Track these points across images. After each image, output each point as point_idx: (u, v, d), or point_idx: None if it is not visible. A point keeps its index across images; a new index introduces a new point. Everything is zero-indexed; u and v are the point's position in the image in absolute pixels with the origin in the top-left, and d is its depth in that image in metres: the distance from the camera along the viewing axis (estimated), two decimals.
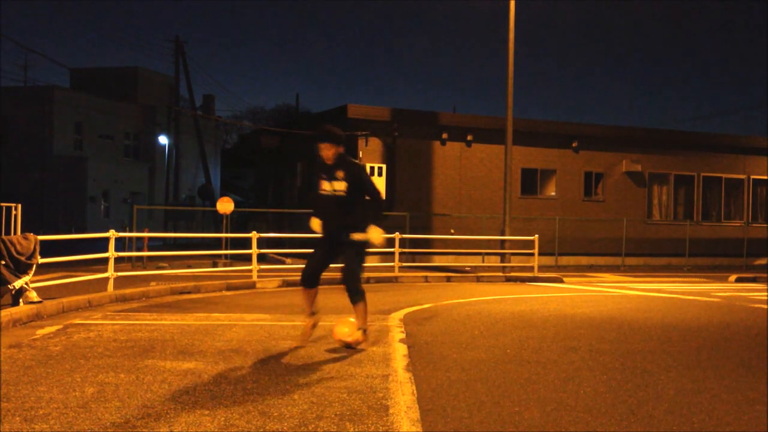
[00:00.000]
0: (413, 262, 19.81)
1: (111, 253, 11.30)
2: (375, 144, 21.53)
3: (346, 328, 6.66)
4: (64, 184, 37.79)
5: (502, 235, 18.24)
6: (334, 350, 6.58)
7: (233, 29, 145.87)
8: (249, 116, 58.37)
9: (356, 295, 6.72)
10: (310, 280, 6.84)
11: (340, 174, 6.65)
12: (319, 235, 6.91)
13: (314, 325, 7.00)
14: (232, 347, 6.66)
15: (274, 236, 20.41)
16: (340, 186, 6.63)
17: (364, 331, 6.76)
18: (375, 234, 6.70)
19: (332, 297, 11.83)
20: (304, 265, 6.94)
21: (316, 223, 6.94)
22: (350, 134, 21.43)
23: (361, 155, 21.18)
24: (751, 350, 7.19)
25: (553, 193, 23.81)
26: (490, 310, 10.15)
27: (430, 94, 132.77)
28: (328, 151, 6.67)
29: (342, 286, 6.79)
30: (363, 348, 6.70)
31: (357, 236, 6.67)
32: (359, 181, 6.69)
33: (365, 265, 7.03)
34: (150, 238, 19.85)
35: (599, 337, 7.72)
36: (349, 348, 6.61)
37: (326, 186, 6.69)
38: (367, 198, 6.81)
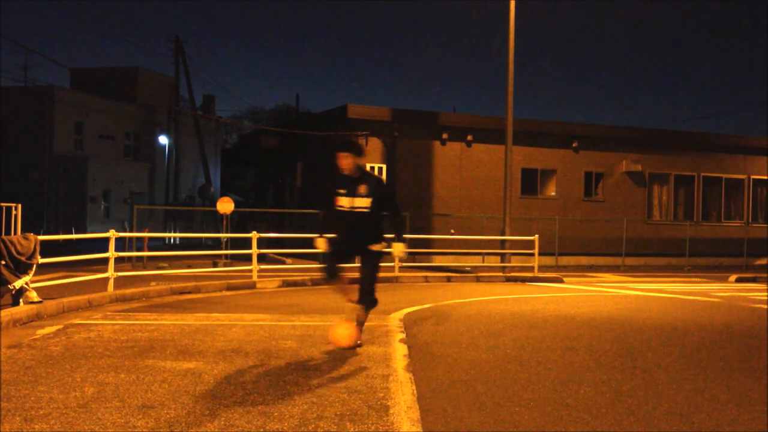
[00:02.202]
0: (413, 262, 19.80)
1: (111, 253, 11.30)
2: (375, 144, 21.52)
3: (343, 330, 6.64)
4: (64, 184, 37.77)
5: (502, 235, 18.23)
6: (334, 351, 6.58)
7: (233, 29, 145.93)
8: (249, 116, 58.35)
9: (368, 302, 6.70)
10: (333, 273, 6.72)
11: (363, 189, 6.56)
12: (333, 245, 6.79)
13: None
14: (232, 347, 6.66)
15: (274, 236, 20.40)
16: (364, 202, 6.54)
17: (361, 324, 6.75)
18: (398, 249, 6.78)
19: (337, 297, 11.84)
20: (323, 265, 6.84)
21: (321, 243, 6.81)
22: (350, 134, 21.44)
23: None
24: (751, 350, 7.19)
25: (553, 193, 23.80)
26: (490, 310, 10.15)
27: (430, 94, 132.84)
28: (346, 161, 6.59)
29: (356, 287, 6.77)
30: (360, 343, 6.72)
31: (375, 246, 6.66)
32: (384, 196, 6.65)
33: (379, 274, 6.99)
34: (150, 238, 19.85)
35: (599, 337, 7.71)
36: (348, 350, 6.59)
37: (344, 202, 6.58)
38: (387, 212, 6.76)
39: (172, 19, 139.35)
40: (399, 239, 6.81)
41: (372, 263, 6.69)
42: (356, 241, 6.67)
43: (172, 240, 30.96)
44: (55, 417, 4.26)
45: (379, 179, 6.82)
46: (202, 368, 5.69)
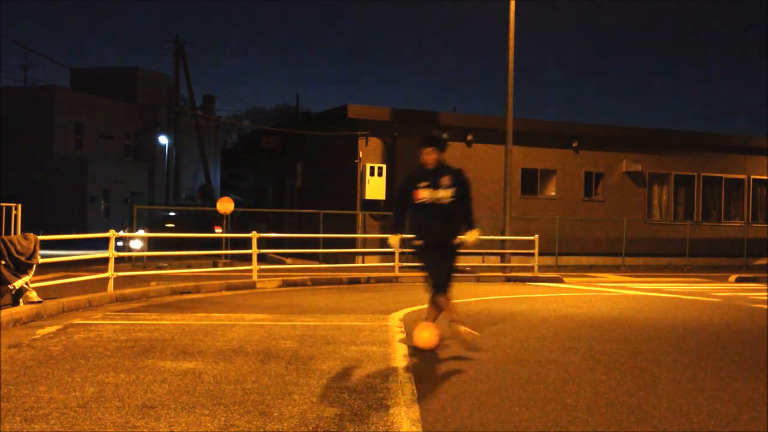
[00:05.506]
0: (413, 262, 19.78)
1: (111, 253, 11.30)
2: (375, 144, 21.52)
3: (426, 332, 6.64)
4: (64, 184, 37.77)
5: (503, 235, 18.23)
6: (334, 351, 6.58)
7: (233, 29, 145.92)
8: (249, 116, 58.34)
9: (444, 294, 6.76)
10: (446, 285, 6.79)
11: (445, 181, 6.67)
12: (423, 245, 6.80)
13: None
14: (232, 347, 6.66)
15: (274, 236, 20.41)
16: (446, 193, 6.65)
17: (458, 322, 6.74)
18: (473, 236, 6.80)
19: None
20: (428, 276, 6.83)
21: (395, 240, 6.90)
22: (350, 134, 21.44)
23: (361, 155, 21.18)
24: (751, 350, 7.19)
25: (553, 193, 23.80)
26: (491, 310, 10.14)
27: (430, 94, 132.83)
28: (430, 156, 6.71)
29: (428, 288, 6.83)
30: (469, 336, 6.65)
31: (455, 240, 6.74)
32: (465, 187, 6.77)
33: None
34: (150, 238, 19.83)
35: (599, 337, 7.71)
36: (430, 352, 6.56)
37: (425, 194, 6.66)
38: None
39: (172, 19, 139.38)
40: (472, 225, 6.86)
41: (451, 257, 6.80)
42: (442, 235, 6.71)
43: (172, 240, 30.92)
44: (55, 417, 4.26)
45: (460, 171, 6.88)
46: (202, 368, 5.69)
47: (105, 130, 41.01)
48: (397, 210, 7.04)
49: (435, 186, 6.66)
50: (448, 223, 6.73)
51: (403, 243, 7.23)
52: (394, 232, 6.96)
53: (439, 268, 6.78)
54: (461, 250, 6.90)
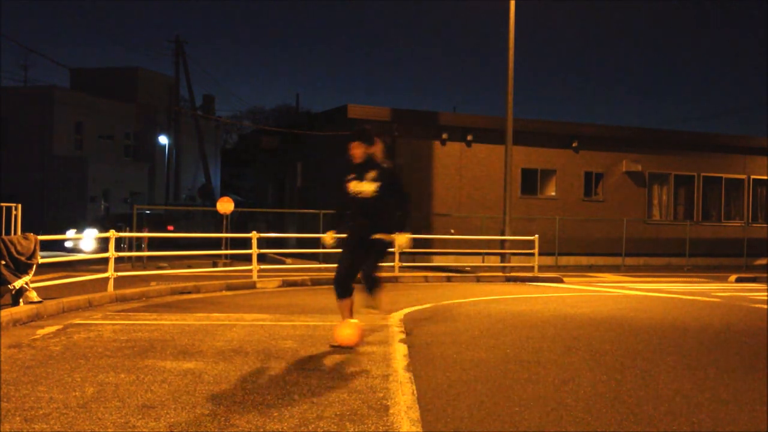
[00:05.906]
0: (413, 262, 19.79)
1: (111, 253, 11.30)
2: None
3: (348, 330, 6.65)
4: (64, 184, 37.76)
5: (502, 235, 18.22)
6: (334, 350, 6.58)
7: (233, 29, 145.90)
8: (249, 116, 58.30)
9: (373, 289, 6.98)
10: (344, 289, 6.73)
11: (371, 174, 6.67)
12: (345, 237, 6.87)
13: None
14: (232, 347, 6.66)
15: (274, 236, 20.41)
16: (370, 187, 6.64)
17: (375, 307, 7.06)
18: (402, 238, 6.75)
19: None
20: (334, 274, 6.84)
21: (329, 237, 6.94)
22: (350, 134, 21.43)
23: None
24: (751, 350, 7.19)
25: (553, 193, 23.80)
26: (490, 310, 10.14)
27: (430, 94, 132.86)
28: (357, 150, 6.74)
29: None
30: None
31: (380, 236, 6.71)
32: (391, 183, 6.73)
33: (381, 264, 7.19)
34: (150, 238, 19.84)
35: (599, 337, 7.71)
36: (351, 349, 6.61)
37: (352, 186, 6.71)
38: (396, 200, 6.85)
39: (172, 19, 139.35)
40: (402, 227, 6.79)
41: (375, 255, 6.82)
42: (365, 230, 6.70)
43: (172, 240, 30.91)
44: (55, 417, 4.26)
45: (386, 167, 6.83)
46: (202, 368, 5.69)
47: (105, 130, 40.99)
48: (336, 207, 7.09)
49: (360, 179, 6.68)
50: (371, 218, 6.69)
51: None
52: (332, 228, 6.99)
53: (349, 263, 6.74)
54: (392, 249, 6.94)
